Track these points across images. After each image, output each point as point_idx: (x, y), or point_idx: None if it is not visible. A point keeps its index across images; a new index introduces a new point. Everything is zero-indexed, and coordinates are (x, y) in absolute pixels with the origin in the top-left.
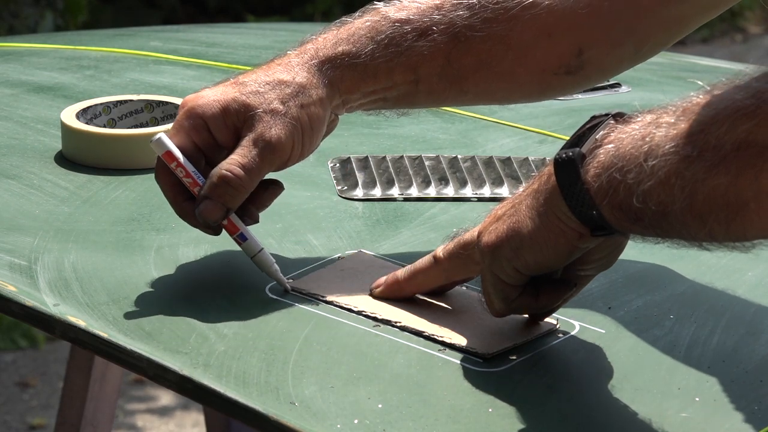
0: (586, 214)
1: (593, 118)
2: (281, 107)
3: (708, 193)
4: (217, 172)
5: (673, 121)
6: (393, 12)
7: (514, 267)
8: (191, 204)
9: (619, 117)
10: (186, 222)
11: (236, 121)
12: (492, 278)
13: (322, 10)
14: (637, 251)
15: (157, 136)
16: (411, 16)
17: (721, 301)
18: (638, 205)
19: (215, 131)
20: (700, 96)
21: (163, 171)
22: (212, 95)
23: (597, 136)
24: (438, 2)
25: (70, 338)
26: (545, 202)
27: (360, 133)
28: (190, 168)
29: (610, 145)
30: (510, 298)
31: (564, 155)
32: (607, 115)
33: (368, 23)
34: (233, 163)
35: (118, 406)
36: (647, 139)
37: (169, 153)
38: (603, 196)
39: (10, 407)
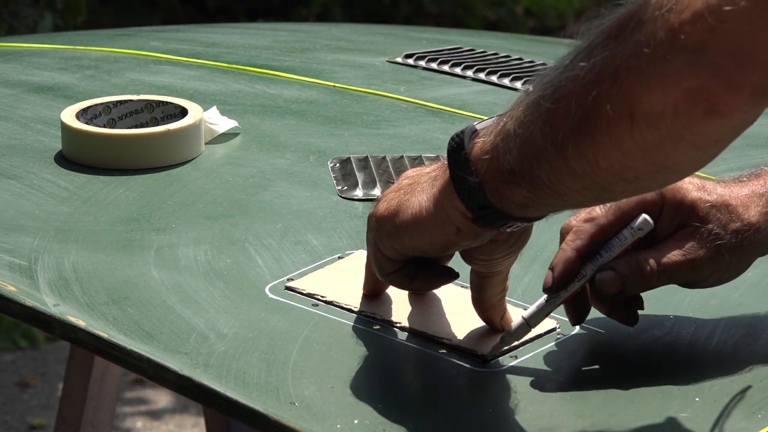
0: (469, 190)
1: None
2: (721, 232)
3: (567, 102)
4: (642, 259)
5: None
6: None
7: (392, 244)
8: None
9: None
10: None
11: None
12: (372, 246)
13: (316, 12)
14: None
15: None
16: None
17: (721, 301)
18: (513, 152)
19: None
20: None
21: None
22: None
23: (494, 118)
24: None
25: (70, 338)
26: (439, 189)
27: (360, 133)
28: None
29: (503, 116)
30: (385, 270)
31: (458, 131)
32: None
33: None
34: (657, 258)
35: (118, 407)
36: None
37: None
38: (483, 158)
39: (10, 407)
